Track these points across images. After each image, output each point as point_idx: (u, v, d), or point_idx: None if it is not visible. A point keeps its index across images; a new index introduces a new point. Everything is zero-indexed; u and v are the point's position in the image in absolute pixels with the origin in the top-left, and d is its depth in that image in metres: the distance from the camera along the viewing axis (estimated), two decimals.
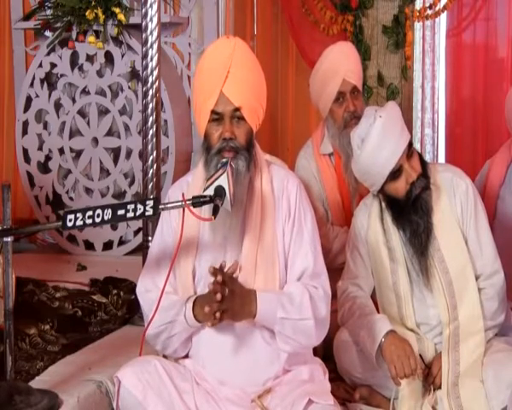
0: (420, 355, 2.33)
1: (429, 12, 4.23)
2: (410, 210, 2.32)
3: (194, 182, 2.11)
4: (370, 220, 2.44)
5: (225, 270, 1.95)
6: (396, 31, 4.12)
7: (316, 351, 2.20)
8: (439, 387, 2.29)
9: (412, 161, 2.33)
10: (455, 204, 2.38)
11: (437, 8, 4.23)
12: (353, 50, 3.07)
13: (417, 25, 4.38)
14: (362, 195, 2.86)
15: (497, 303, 2.36)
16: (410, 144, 2.33)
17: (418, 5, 4.29)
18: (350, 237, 2.51)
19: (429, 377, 2.32)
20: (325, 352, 2.45)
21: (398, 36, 4.14)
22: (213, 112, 2.01)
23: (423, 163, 2.37)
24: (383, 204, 2.41)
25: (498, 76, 4.44)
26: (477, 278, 2.36)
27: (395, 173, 2.31)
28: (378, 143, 2.29)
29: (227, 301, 1.92)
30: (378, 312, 2.41)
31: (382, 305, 2.43)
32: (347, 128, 2.89)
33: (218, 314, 1.91)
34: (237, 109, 2.01)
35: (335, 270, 2.65)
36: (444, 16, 4.43)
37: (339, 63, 2.96)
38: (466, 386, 2.25)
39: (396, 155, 2.29)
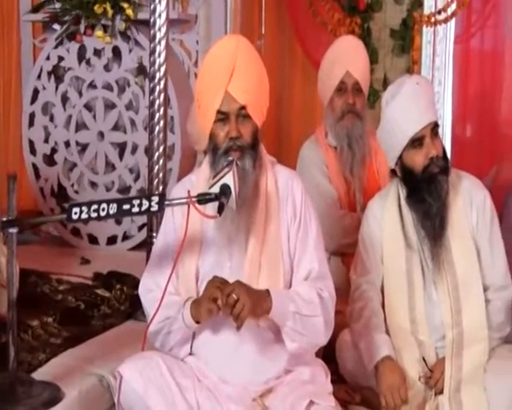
0: (423, 358, 2.32)
1: (438, 17, 4.22)
2: (424, 188, 2.30)
3: (199, 181, 2.11)
4: (386, 207, 2.42)
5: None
6: (403, 35, 4.12)
7: (317, 352, 2.19)
8: (441, 392, 2.28)
9: (435, 140, 2.31)
10: (470, 212, 2.36)
11: (446, 14, 4.22)
12: (362, 49, 3.10)
13: (427, 30, 4.38)
14: (366, 191, 2.90)
15: (504, 316, 2.35)
16: (437, 125, 2.33)
17: (427, 10, 4.28)
18: (362, 228, 2.50)
19: (431, 381, 2.31)
20: (326, 353, 2.44)
21: (405, 40, 4.14)
22: (219, 112, 2.00)
23: (445, 154, 2.36)
24: (400, 189, 2.39)
25: (505, 82, 4.43)
26: (486, 288, 2.35)
27: (416, 141, 2.29)
28: (408, 99, 2.29)
29: (243, 297, 1.88)
30: (384, 304, 2.40)
31: (391, 296, 2.40)
32: (343, 120, 2.96)
33: (243, 314, 1.87)
34: (243, 108, 2.00)
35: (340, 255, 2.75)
36: (453, 22, 4.42)
37: (346, 55, 3.01)
38: (468, 392, 2.24)
39: (421, 122, 2.28)
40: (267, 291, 1.96)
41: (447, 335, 2.32)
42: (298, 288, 2.04)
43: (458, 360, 2.28)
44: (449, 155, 4.53)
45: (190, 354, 2.11)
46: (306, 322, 1.99)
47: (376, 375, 2.28)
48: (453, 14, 4.22)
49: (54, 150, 4.16)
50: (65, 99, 4.14)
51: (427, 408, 2.28)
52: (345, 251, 2.90)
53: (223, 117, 2.00)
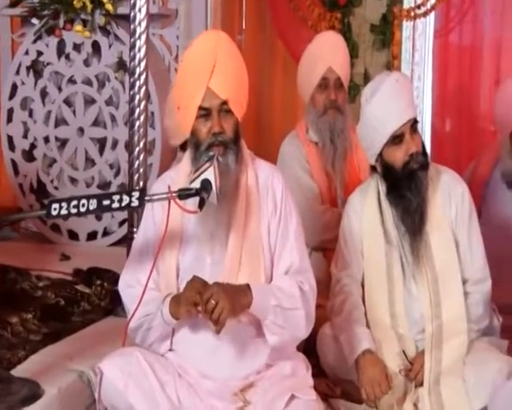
0: (403, 352, 2.34)
1: (417, 11, 4.24)
2: (404, 184, 2.31)
3: (179, 177, 2.10)
4: (366, 202, 2.43)
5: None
6: (383, 29, 4.14)
7: (298, 346, 2.19)
8: (421, 384, 2.29)
9: (415, 136, 2.33)
10: (449, 206, 2.38)
11: (425, 8, 4.25)
12: (343, 45, 3.11)
13: (406, 25, 4.41)
14: (347, 185, 2.91)
15: (483, 309, 2.37)
16: (416, 121, 2.34)
17: (407, 5, 4.31)
18: (342, 223, 2.51)
19: (411, 374, 2.32)
20: (307, 347, 2.45)
21: (385, 35, 4.16)
22: (201, 108, 2.00)
23: (424, 149, 2.37)
24: (380, 185, 2.40)
25: (483, 77, 4.47)
26: (465, 281, 2.37)
27: (396, 138, 2.30)
28: (388, 96, 2.30)
29: (222, 302, 1.88)
30: (364, 298, 2.41)
31: (371, 290, 2.41)
32: (326, 115, 2.98)
33: (222, 317, 1.87)
34: (224, 103, 2.00)
35: (322, 250, 2.75)
36: (432, 17, 4.45)
37: (328, 51, 3.02)
38: (447, 384, 2.25)
39: (402, 118, 2.29)
40: (247, 286, 1.96)
41: (427, 328, 2.33)
42: (279, 281, 2.04)
43: (438, 352, 2.29)
44: (428, 149, 4.61)
45: (170, 349, 2.10)
46: (288, 315, 1.99)
47: (357, 368, 2.29)
48: (432, 8, 4.26)
49: (33, 146, 4.11)
50: (44, 94, 4.09)
51: (407, 400, 2.29)
52: (326, 246, 2.90)
53: (205, 113, 2.01)
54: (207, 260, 2.05)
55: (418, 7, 4.26)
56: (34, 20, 4.15)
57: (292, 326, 2.01)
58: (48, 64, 4.06)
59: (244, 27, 4.80)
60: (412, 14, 4.23)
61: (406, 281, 2.39)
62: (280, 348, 2.05)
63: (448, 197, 2.39)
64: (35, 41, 4.05)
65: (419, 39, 4.52)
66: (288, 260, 2.06)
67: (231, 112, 2.02)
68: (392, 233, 2.39)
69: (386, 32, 4.15)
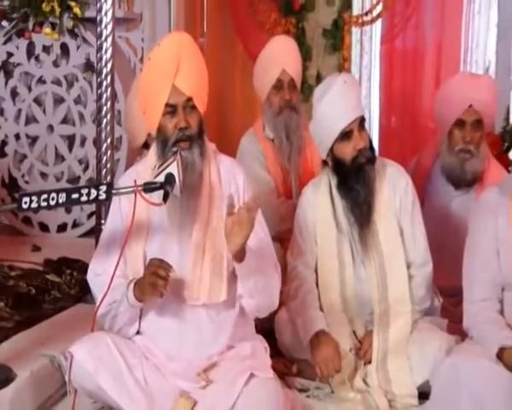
0: (353, 332, 2.38)
1: (365, 18, 4.30)
2: (353, 177, 2.35)
3: (145, 171, 2.09)
4: (319, 194, 2.46)
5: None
6: (335, 34, 4.19)
7: (256, 329, 2.21)
8: (370, 362, 2.34)
9: (362, 133, 2.36)
10: (394, 197, 2.42)
11: (372, 16, 4.31)
12: (295, 48, 3.15)
13: (356, 30, 4.46)
14: (301, 179, 2.93)
15: (425, 290, 2.41)
16: (364, 119, 2.38)
17: (356, 12, 4.36)
18: (297, 214, 2.53)
19: (361, 353, 2.36)
20: (265, 329, 2.46)
21: (336, 39, 4.20)
22: (167, 105, 2.00)
23: (371, 145, 2.41)
24: (331, 178, 2.42)
25: (425, 79, 4.56)
26: (409, 266, 2.41)
27: (345, 135, 2.33)
28: (337, 96, 2.32)
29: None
30: (318, 283, 2.44)
31: (324, 276, 2.44)
32: (281, 115, 2.99)
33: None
34: (189, 99, 2.01)
35: (279, 240, 2.74)
36: (379, 23, 4.52)
37: (281, 54, 3.04)
38: (393, 362, 2.30)
39: (349, 117, 2.32)
40: None
41: (375, 310, 2.37)
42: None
43: (385, 332, 2.33)
44: (376, 144, 4.67)
45: (138, 332, 2.10)
46: (267, 279, 2.00)
47: (312, 348, 2.32)
48: (378, 16, 4.32)
49: (4, 143, 4.05)
50: (14, 94, 4.03)
51: (357, 376, 2.33)
52: (283, 237, 2.92)
53: (171, 110, 2.01)
54: (174, 249, 2.05)
55: (366, 14, 4.31)
56: (4, 23, 4.08)
57: (268, 292, 2.02)
58: (18, 65, 4.01)
59: (206, 31, 4.78)
60: (360, 20, 4.29)
61: (356, 267, 2.43)
62: (238, 330, 2.05)
63: (393, 189, 2.43)
64: (5, 43, 3.99)
65: (367, 44, 4.58)
66: (257, 236, 2.04)
67: (195, 108, 2.03)
68: (343, 223, 2.43)
69: (337, 36, 4.20)
